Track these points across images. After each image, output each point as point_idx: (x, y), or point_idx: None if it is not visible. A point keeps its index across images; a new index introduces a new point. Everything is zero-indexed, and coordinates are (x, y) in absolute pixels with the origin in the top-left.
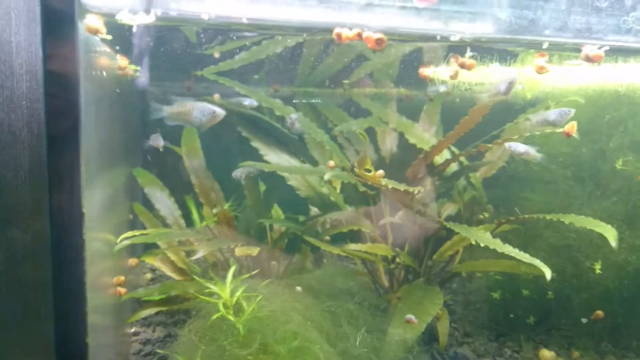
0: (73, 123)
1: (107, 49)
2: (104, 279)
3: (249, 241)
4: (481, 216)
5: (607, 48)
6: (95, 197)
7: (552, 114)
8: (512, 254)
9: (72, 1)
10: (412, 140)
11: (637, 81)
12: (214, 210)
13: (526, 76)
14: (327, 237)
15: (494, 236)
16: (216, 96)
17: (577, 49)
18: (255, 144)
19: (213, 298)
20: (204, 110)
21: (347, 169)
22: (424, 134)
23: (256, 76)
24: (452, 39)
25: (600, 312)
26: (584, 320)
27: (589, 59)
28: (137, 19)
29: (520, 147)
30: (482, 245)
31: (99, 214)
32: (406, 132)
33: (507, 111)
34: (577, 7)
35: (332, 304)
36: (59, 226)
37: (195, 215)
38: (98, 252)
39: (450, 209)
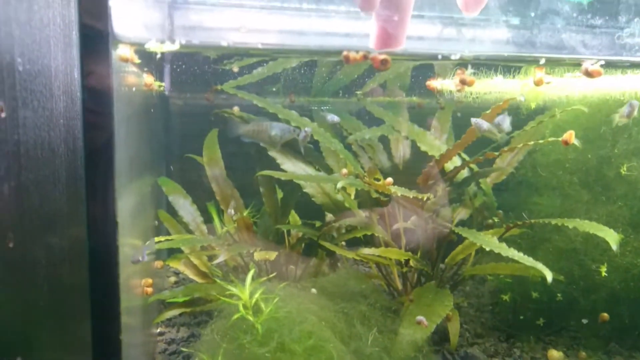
0: (107, 138)
1: (135, 69)
2: (133, 282)
3: (267, 246)
4: (491, 221)
5: (602, 63)
6: (126, 205)
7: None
8: (515, 257)
9: (106, 28)
10: (423, 148)
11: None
12: (234, 217)
13: (529, 87)
14: (343, 242)
15: (503, 240)
16: (235, 109)
17: (576, 64)
18: (273, 153)
19: (233, 300)
20: (283, 129)
21: (360, 177)
22: (435, 142)
23: (274, 88)
24: (452, 57)
25: (605, 315)
26: (585, 321)
27: (588, 74)
28: (164, 48)
29: (483, 124)
30: (487, 249)
31: (129, 222)
32: (418, 140)
33: (513, 120)
34: (572, 25)
35: (346, 305)
36: (95, 233)
37: (216, 221)
38: (129, 256)
39: (462, 213)
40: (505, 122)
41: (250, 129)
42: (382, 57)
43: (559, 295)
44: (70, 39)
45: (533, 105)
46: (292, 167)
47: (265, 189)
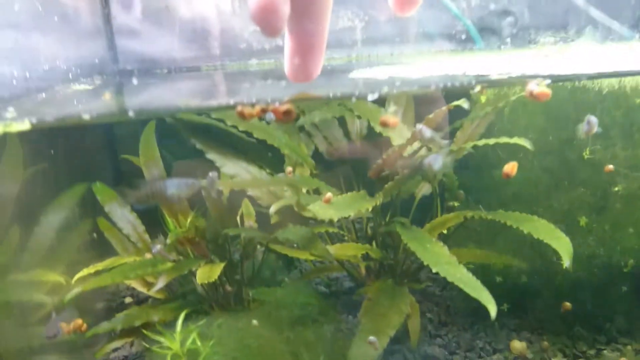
0: None
1: None
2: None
3: (217, 250)
4: (451, 204)
5: (548, 81)
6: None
7: None
8: (461, 285)
9: None
10: (378, 129)
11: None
12: (168, 240)
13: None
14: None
15: (463, 227)
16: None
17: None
18: (211, 155)
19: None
20: (179, 184)
21: (311, 169)
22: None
23: None
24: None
25: (568, 304)
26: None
27: (534, 97)
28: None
29: (427, 132)
30: (434, 270)
31: (43, 253)
32: (372, 119)
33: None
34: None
35: (290, 333)
36: None
37: (171, 226)
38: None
39: (425, 188)
40: (438, 161)
41: (141, 194)
42: (284, 107)
43: (523, 278)
44: None
45: (484, 99)
46: (234, 169)
47: (207, 192)
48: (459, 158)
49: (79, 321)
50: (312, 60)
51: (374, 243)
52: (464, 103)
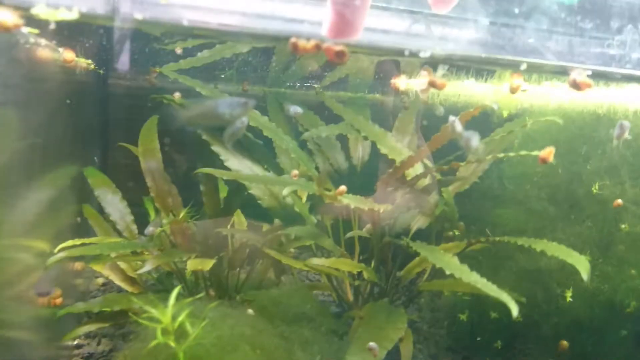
0: None
1: (44, 42)
2: (33, 292)
3: (206, 251)
4: (451, 233)
5: (589, 72)
6: (20, 203)
7: None
8: (478, 285)
9: None
10: (383, 151)
11: (617, 103)
12: (164, 221)
13: (503, 93)
14: (292, 249)
15: (464, 256)
16: (177, 95)
17: (559, 72)
18: (216, 148)
19: (154, 322)
20: (231, 104)
21: (313, 179)
22: (396, 144)
23: (222, 76)
24: (421, 55)
25: (565, 343)
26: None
27: (576, 85)
28: (58, 15)
29: (459, 126)
30: (447, 272)
31: (25, 221)
32: (378, 141)
33: (483, 127)
34: (560, 27)
35: (286, 328)
36: None
37: (153, 217)
38: (23, 262)
39: (420, 221)
40: (474, 139)
41: (192, 114)
42: (339, 48)
43: (519, 317)
44: None
45: (506, 114)
46: (238, 165)
47: (206, 188)
48: (461, 191)
49: (59, 291)
50: (360, 17)
51: (372, 262)
52: (493, 104)
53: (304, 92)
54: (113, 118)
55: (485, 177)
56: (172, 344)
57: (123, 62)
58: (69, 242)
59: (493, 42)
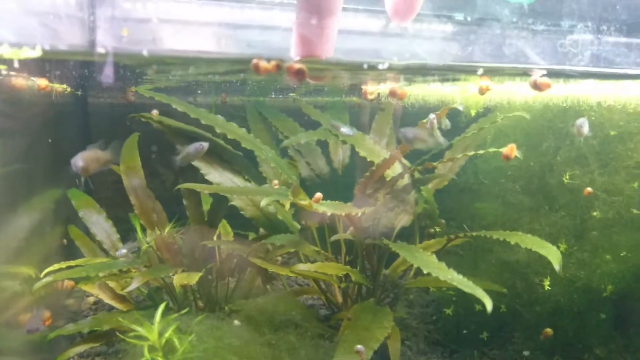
0: None
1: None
2: (19, 316)
3: (193, 264)
4: (432, 230)
5: (544, 72)
6: (6, 229)
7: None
8: (454, 282)
9: None
10: (362, 153)
11: (580, 95)
12: (148, 238)
13: (469, 92)
14: (278, 257)
15: (445, 252)
16: (154, 112)
17: (518, 73)
18: (196, 163)
19: (141, 339)
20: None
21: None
22: (374, 146)
23: (199, 91)
24: (380, 67)
25: (549, 330)
26: (527, 353)
27: (536, 87)
28: (21, 54)
29: (435, 123)
30: (425, 271)
31: (12, 247)
32: (357, 144)
33: (453, 127)
34: (513, 30)
35: (273, 336)
36: None
37: (140, 235)
38: (7, 287)
39: (404, 220)
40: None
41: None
42: (298, 66)
43: (502, 307)
44: None
45: (473, 113)
46: (219, 178)
47: (189, 202)
48: (440, 188)
49: (47, 314)
50: (323, 36)
51: (357, 264)
52: (459, 105)
53: (282, 99)
54: (94, 137)
55: (462, 173)
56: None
57: (106, 77)
58: (55, 266)
59: (448, 51)
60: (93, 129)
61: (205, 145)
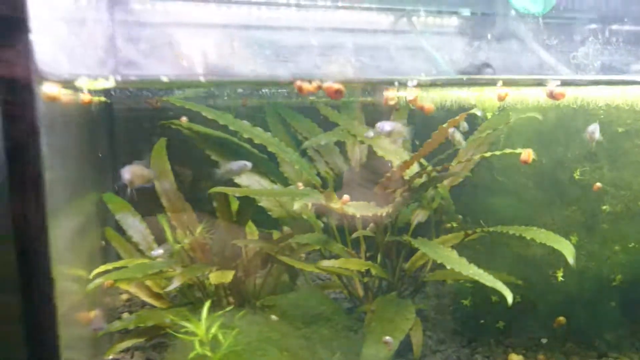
0: (36, 172)
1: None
2: (78, 313)
3: (224, 262)
4: (449, 225)
5: (558, 83)
6: (63, 231)
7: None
8: (475, 277)
9: (28, 71)
10: (380, 153)
11: (588, 98)
12: (185, 240)
13: (486, 97)
14: (302, 255)
15: (463, 246)
16: (183, 119)
17: (533, 84)
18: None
19: (190, 334)
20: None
21: (317, 187)
22: (390, 146)
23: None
24: (409, 84)
25: (562, 319)
26: (544, 341)
27: (553, 96)
28: (97, 85)
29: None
30: (447, 267)
31: (67, 249)
32: (374, 144)
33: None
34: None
35: (307, 330)
36: (26, 264)
37: (169, 237)
38: (68, 286)
39: (420, 215)
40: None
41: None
42: (336, 87)
43: (518, 297)
44: None
45: (489, 115)
46: (247, 181)
47: (218, 204)
48: (455, 184)
49: (100, 312)
50: None
51: (378, 258)
52: (477, 111)
53: (300, 100)
54: (118, 141)
55: (477, 171)
56: (209, 353)
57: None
58: (102, 268)
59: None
60: (117, 134)
61: (249, 165)
